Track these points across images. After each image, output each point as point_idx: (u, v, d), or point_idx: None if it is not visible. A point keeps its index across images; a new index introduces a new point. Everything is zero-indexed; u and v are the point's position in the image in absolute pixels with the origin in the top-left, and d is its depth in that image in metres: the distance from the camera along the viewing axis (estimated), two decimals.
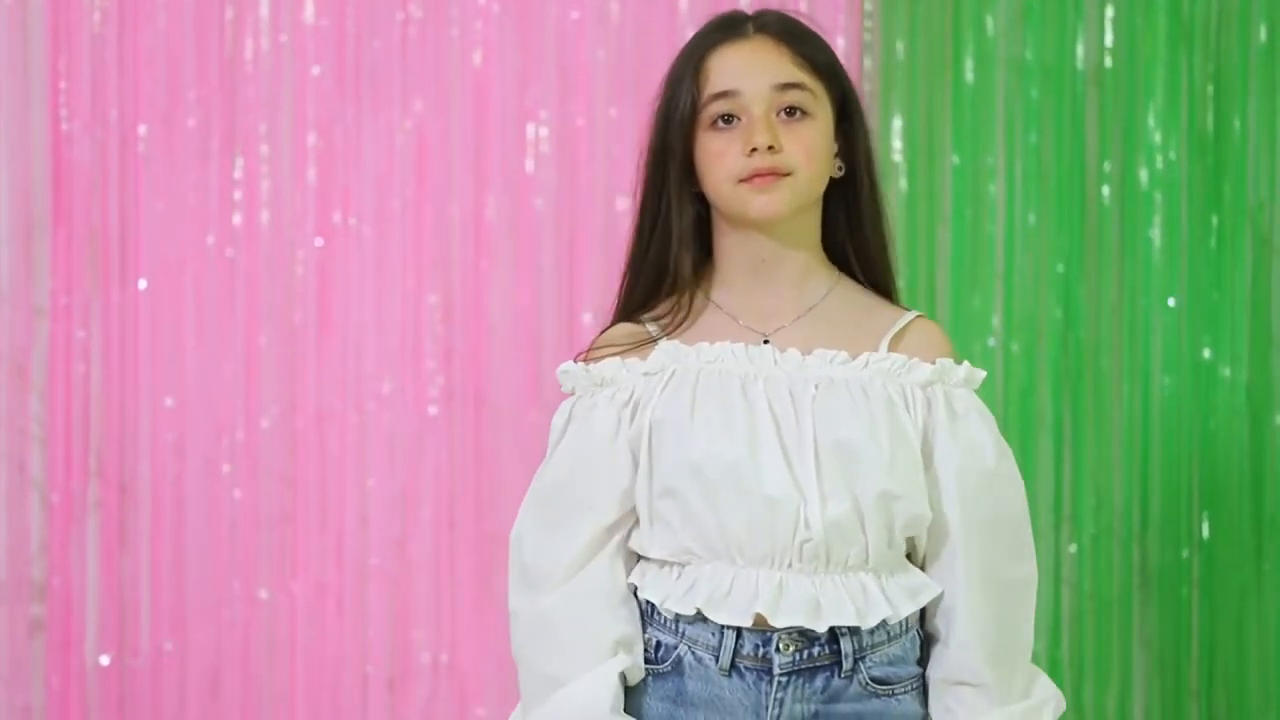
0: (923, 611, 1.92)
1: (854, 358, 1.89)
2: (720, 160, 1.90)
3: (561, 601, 1.90)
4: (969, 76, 3.16)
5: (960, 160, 3.16)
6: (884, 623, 1.87)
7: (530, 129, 3.15)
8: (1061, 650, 3.17)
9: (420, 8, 3.14)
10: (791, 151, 1.89)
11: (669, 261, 1.95)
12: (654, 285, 1.96)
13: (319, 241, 3.14)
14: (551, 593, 1.90)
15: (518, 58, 3.15)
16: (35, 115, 3.12)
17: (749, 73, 1.91)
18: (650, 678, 1.91)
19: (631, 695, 1.92)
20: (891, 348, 1.92)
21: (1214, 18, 3.16)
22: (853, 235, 1.99)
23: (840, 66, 1.97)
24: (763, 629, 1.86)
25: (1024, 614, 1.92)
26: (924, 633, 1.93)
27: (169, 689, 3.14)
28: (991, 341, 3.16)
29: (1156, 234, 3.16)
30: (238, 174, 3.13)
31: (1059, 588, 3.17)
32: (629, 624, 1.90)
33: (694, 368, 1.90)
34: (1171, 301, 3.16)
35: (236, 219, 3.13)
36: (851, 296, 1.97)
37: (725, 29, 1.95)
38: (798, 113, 1.91)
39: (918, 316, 1.96)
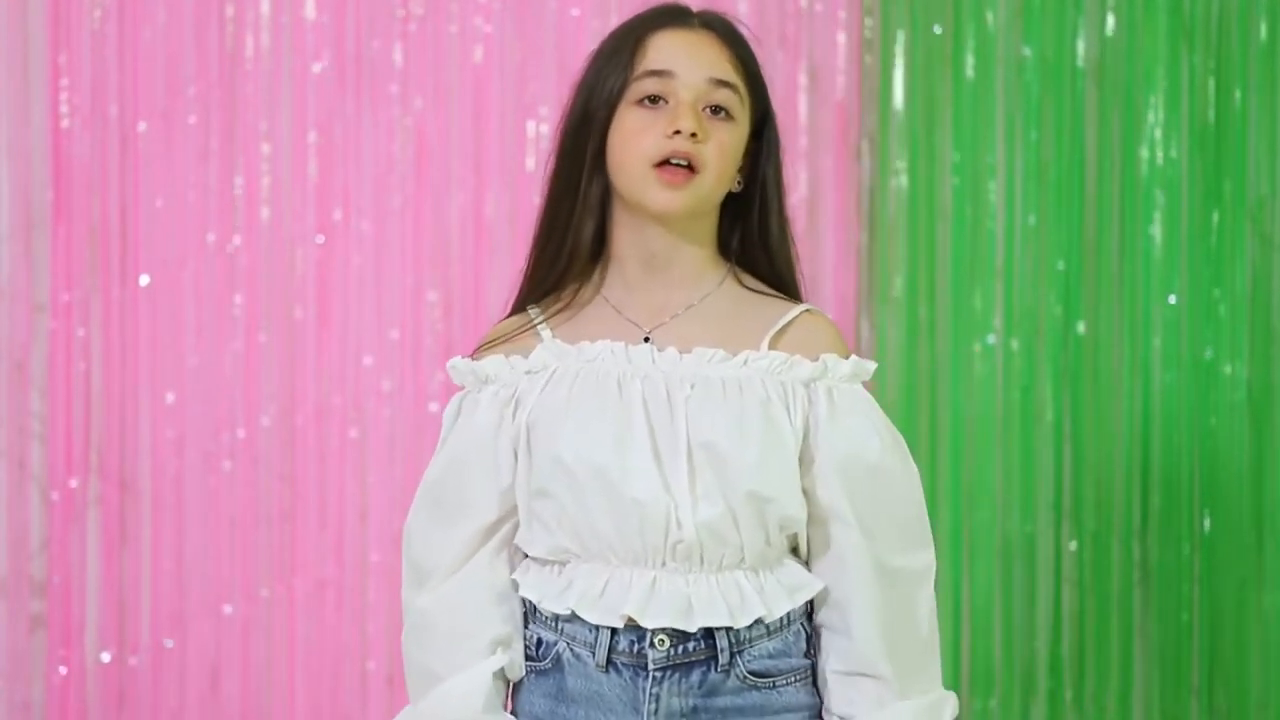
0: (809, 603, 1.92)
1: (733, 355, 1.88)
2: (638, 138, 1.89)
3: (441, 599, 1.92)
4: (969, 73, 3.16)
5: (960, 157, 3.16)
6: (761, 620, 1.87)
7: (530, 126, 3.15)
8: (1062, 647, 3.17)
9: (420, 4, 3.14)
10: (708, 148, 1.88)
11: (570, 227, 1.94)
12: (554, 257, 1.95)
13: (319, 239, 3.14)
14: (433, 590, 1.93)
15: (517, 54, 3.15)
16: (35, 112, 3.12)
17: (689, 59, 1.91)
18: (532, 675, 1.92)
19: (515, 692, 1.94)
20: (775, 344, 1.91)
21: (1214, 14, 3.16)
22: (751, 249, 1.98)
23: (766, 87, 1.97)
24: (638, 626, 1.85)
25: (920, 603, 1.91)
26: (813, 624, 1.93)
27: (169, 685, 3.14)
28: (991, 339, 3.16)
29: (1157, 231, 3.16)
30: (238, 171, 3.14)
31: (1059, 585, 3.17)
32: (507, 622, 1.92)
33: (574, 367, 1.90)
34: (1172, 298, 3.16)
35: (237, 216, 3.14)
36: (739, 293, 1.95)
37: (671, 15, 1.95)
38: (723, 113, 1.91)
39: (805, 311, 1.94)
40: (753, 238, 1.97)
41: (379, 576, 3.15)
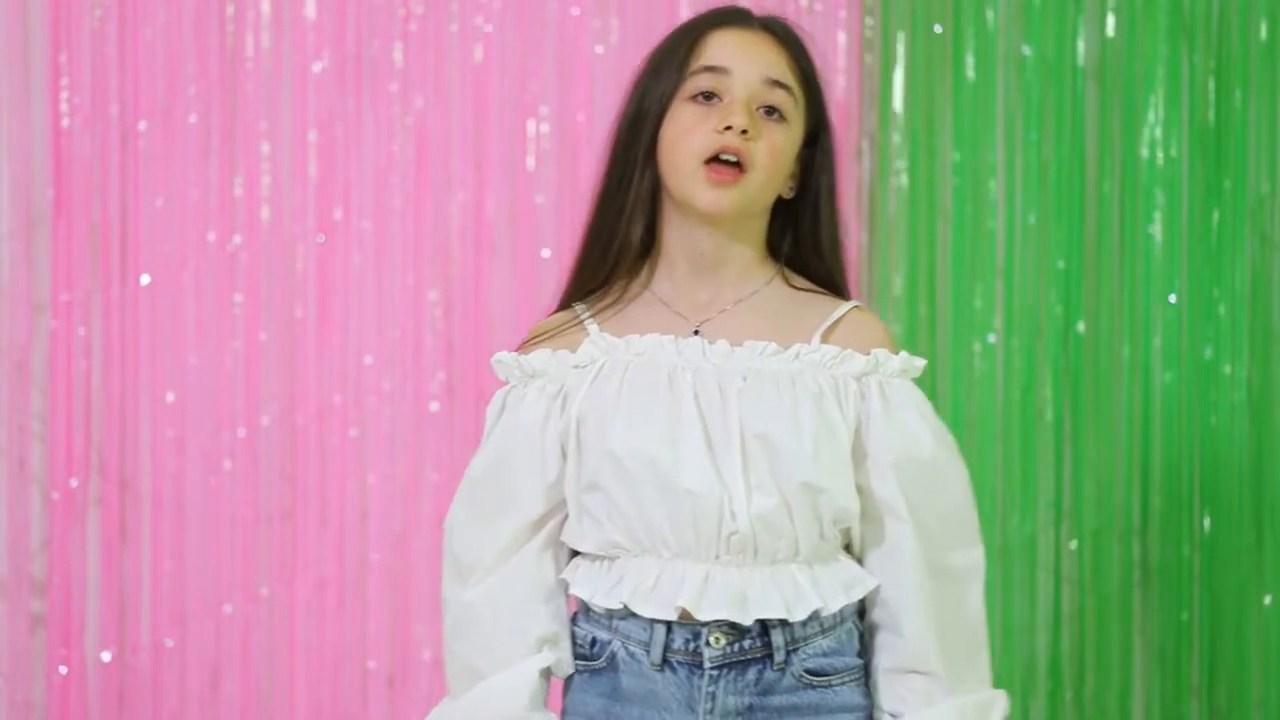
0: (860, 603, 1.91)
1: (785, 349, 1.88)
2: (690, 135, 1.88)
3: (485, 595, 1.91)
4: (969, 73, 3.16)
5: (960, 157, 3.16)
6: (816, 616, 1.86)
7: (530, 125, 3.15)
8: (1062, 647, 3.17)
9: (421, 4, 3.14)
10: (759, 148, 1.88)
11: (619, 224, 1.93)
12: (603, 253, 1.94)
13: (320, 238, 3.14)
14: (477, 586, 1.92)
15: (518, 54, 3.15)
16: (36, 111, 3.12)
17: (745, 57, 1.90)
18: (587, 674, 1.91)
19: (570, 691, 1.93)
20: (826, 339, 1.90)
21: (1215, 13, 3.16)
22: (805, 253, 1.98)
23: (824, 95, 1.96)
24: (692, 623, 1.85)
25: (970, 601, 1.91)
26: (865, 624, 1.92)
27: (170, 685, 3.14)
28: (992, 338, 3.16)
29: (1157, 230, 3.16)
30: (238, 170, 3.13)
31: (1059, 584, 3.17)
32: (553, 620, 1.91)
33: (623, 360, 1.89)
34: (1172, 298, 3.16)
35: (237, 215, 3.14)
36: (787, 291, 1.95)
37: (732, 16, 1.95)
38: (776, 114, 1.90)
39: (854, 307, 1.95)
40: (806, 245, 1.96)
41: (379, 576, 3.15)
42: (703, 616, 1.83)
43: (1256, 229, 3.17)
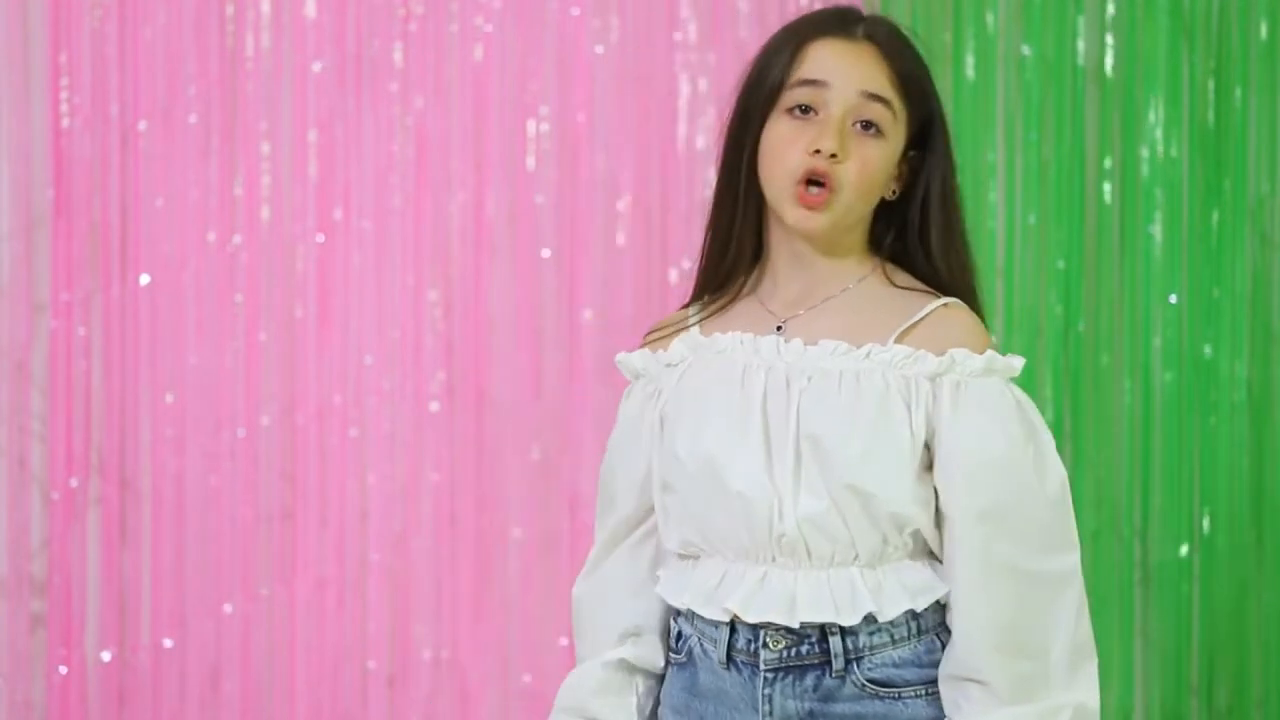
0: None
1: (856, 348, 1.85)
2: (784, 150, 1.87)
3: (587, 589, 1.99)
4: (969, 73, 3.16)
5: (960, 157, 3.14)
6: (879, 623, 1.84)
7: (530, 125, 3.15)
8: None
9: (421, 4, 3.15)
10: (848, 168, 1.87)
11: (733, 229, 1.93)
12: (719, 258, 1.95)
13: (319, 238, 3.14)
14: (584, 580, 2.00)
15: (517, 54, 3.15)
16: (36, 111, 3.12)
17: (843, 71, 1.88)
18: (674, 667, 1.94)
19: (665, 683, 1.97)
20: (903, 338, 1.86)
21: (1215, 13, 3.16)
22: (913, 250, 1.95)
23: (934, 93, 1.94)
24: (752, 624, 1.85)
25: (1060, 609, 1.83)
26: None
27: (170, 685, 3.14)
28: (992, 338, 3.16)
29: (1157, 230, 3.16)
30: (238, 170, 3.13)
31: None
32: (641, 615, 1.96)
33: (706, 359, 1.91)
34: (1172, 298, 3.16)
35: (237, 215, 3.14)
36: (882, 289, 1.92)
37: (836, 22, 1.92)
38: (873, 128, 1.88)
39: (941, 305, 1.89)
40: (914, 244, 1.94)
41: (379, 576, 3.15)
42: (750, 619, 1.83)
43: (1256, 229, 3.17)
